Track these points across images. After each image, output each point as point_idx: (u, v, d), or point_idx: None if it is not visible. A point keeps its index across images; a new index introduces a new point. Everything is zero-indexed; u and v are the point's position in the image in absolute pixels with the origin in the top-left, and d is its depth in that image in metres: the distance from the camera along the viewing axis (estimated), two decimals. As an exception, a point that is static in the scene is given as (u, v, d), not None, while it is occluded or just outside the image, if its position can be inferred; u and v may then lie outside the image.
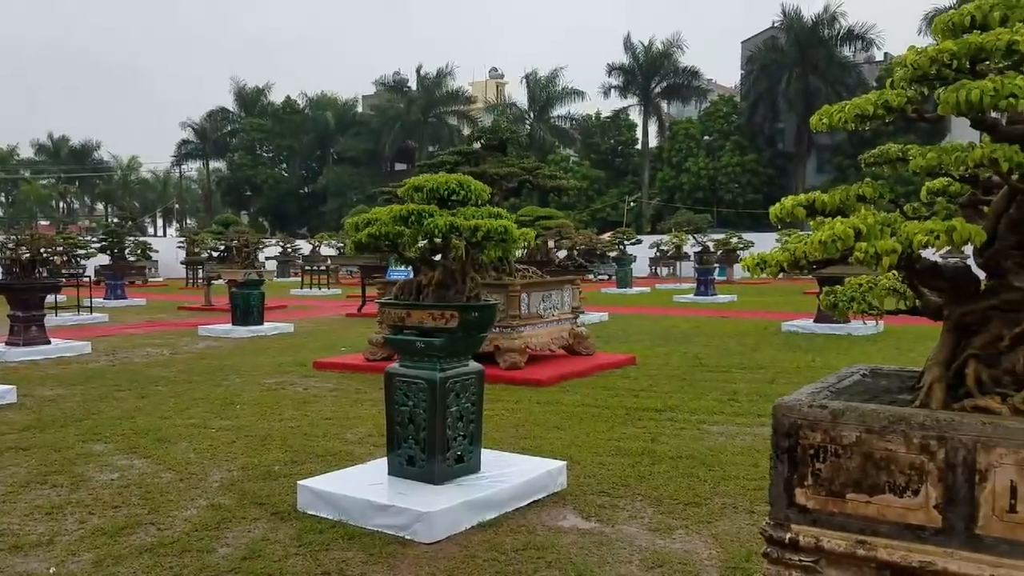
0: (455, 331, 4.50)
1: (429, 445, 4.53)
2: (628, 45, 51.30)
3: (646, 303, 20.60)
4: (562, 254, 24.62)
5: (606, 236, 31.63)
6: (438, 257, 4.89)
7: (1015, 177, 2.23)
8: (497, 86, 71.10)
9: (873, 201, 2.35)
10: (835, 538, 2.25)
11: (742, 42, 55.15)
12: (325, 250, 35.16)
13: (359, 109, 65.62)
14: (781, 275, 2.39)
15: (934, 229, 2.01)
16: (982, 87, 2.04)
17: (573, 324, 10.21)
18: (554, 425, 6.54)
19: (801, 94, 45.04)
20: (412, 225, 4.54)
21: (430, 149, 50.37)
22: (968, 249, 2.35)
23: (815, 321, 12.85)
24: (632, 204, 49.68)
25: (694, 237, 28.90)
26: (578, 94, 54.63)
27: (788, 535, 2.31)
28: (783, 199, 2.45)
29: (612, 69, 51.62)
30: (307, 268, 27.88)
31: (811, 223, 2.47)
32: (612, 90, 52.16)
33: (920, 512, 2.18)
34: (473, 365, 4.78)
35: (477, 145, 11.48)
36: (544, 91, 54.63)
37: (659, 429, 6.38)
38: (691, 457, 5.53)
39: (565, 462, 5.09)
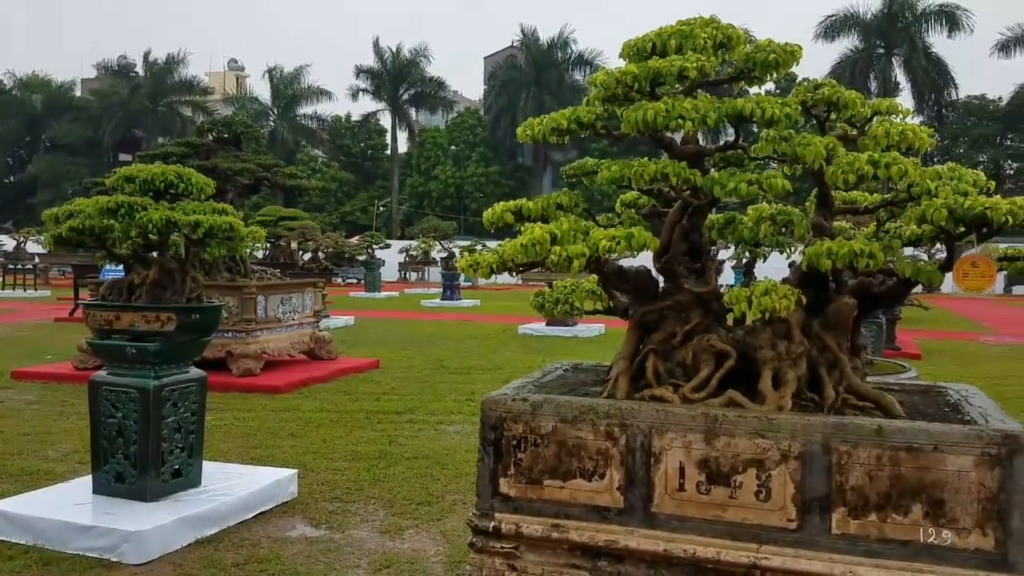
0: (173, 335, 4.20)
1: (141, 460, 4.19)
2: (377, 50, 51.20)
3: (394, 307, 20.65)
4: (307, 256, 23.95)
5: (355, 240, 31.27)
6: (154, 255, 4.53)
7: (686, 191, 2.54)
8: (237, 79, 67.34)
9: (570, 209, 2.55)
10: (533, 523, 2.40)
11: (485, 57, 57.40)
12: (32, 247, 31.02)
13: (78, 93, 58.90)
14: (495, 277, 2.51)
15: (616, 236, 2.23)
16: (656, 108, 2.30)
17: (315, 328, 9.96)
18: (289, 433, 6.35)
19: (536, 112, 47.15)
20: (122, 219, 4.17)
21: (160, 140, 46.49)
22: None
23: (547, 324, 13.66)
24: (382, 208, 49.64)
25: (441, 243, 29.53)
26: (325, 94, 53.33)
27: (492, 523, 2.43)
28: (495, 205, 2.58)
29: (360, 71, 51.19)
30: (10, 267, 24.54)
31: (520, 228, 2.63)
32: (361, 93, 51.75)
33: (606, 494, 2.39)
34: (194, 372, 4.49)
35: (209, 138, 10.76)
36: (289, 88, 52.65)
37: (398, 431, 6.42)
38: (427, 457, 5.63)
39: (296, 470, 4.95)
